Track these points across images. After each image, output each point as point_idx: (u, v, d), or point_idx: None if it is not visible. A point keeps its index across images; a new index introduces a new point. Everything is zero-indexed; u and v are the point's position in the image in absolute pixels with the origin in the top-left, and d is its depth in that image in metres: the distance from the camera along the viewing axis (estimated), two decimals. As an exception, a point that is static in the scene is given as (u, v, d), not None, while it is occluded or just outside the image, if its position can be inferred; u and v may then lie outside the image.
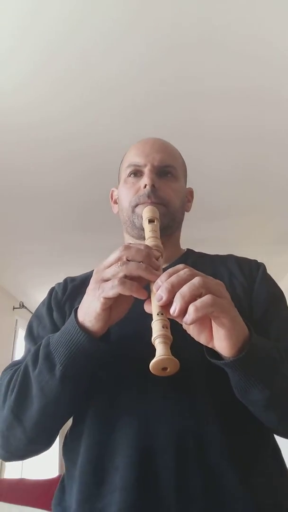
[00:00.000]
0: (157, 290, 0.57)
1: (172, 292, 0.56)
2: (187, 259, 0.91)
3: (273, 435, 0.75)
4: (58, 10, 1.49)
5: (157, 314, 0.57)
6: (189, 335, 0.62)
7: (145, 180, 0.84)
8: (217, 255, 0.94)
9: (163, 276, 0.58)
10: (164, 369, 0.53)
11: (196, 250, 0.98)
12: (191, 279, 0.56)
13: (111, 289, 0.58)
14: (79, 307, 0.65)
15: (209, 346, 0.60)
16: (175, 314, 0.54)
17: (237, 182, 2.54)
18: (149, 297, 0.60)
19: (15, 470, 3.65)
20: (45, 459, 4.18)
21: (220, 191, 2.61)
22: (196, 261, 0.91)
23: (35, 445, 0.73)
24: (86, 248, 3.26)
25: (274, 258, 3.43)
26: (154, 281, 0.59)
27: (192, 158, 2.23)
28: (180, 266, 0.59)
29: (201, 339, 0.60)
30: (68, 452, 0.76)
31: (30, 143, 2.16)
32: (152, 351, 0.55)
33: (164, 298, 0.56)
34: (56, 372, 0.63)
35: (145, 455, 0.65)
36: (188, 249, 0.97)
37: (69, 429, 0.78)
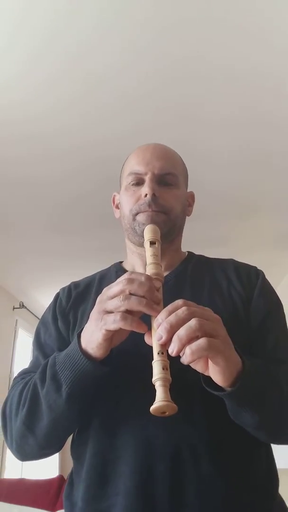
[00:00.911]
0: (157, 327, 0.61)
1: (171, 332, 0.59)
2: (187, 265, 0.92)
3: (266, 445, 0.79)
4: (50, 4, 1.46)
5: (158, 354, 0.61)
6: None
7: (146, 189, 0.85)
8: (217, 259, 0.95)
9: (163, 313, 0.61)
10: (163, 412, 0.58)
11: (197, 250, 0.98)
12: (189, 319, 0.59)
13: (113, 323, 0.62)
14: (82, 332, 0.69)
15: (205, 374, 0.64)
16: (173, 354, 0.59)
17: (237, 182, 2.54)
18: (149, 329, 0.64)
19: (15, 470, 3.66)
20: (45, 459, 4.18)
21: (220, 191, 2.61)
22: (196, 267, 0.92)
23: (47, 450, 0.79)
24: (86, 248, 3.26)
25: (273, 259, 3.43)
26: (155, 316, 0.62)
27: (193, 153, 2.24)
28: (180, 303, 0.62)
29: (197, 367, 0.64)
30: (75, 455, 0.81)
31: (31, 141, 2.16)
32: (149, 365, 0.60)
33: (164, 338, 0.59)
34: (62, 392, 0.68)
35: (144, 463, 0.71)
36: (189, 253, 0.98)
37: (75, 435, 0.83)
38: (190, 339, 0.58)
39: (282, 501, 0.77)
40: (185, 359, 0.58)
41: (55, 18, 1.53)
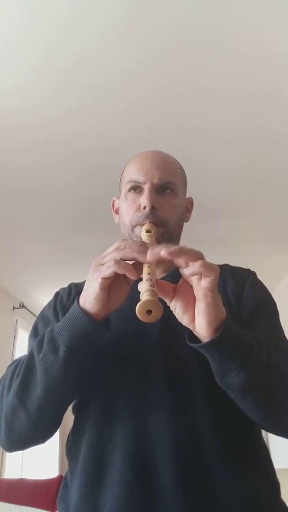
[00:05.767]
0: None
1: (158, 254, 0.62)
2: None
3: (260, 432, 0.80)
4: (58, 10, 1.49)
5: (146, 280, 0.62)
6: (184, 338, 0.66)
7: (144, 201, 0.85)
8: None
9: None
10: (149, 312, 0.56)
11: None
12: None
13: (107, 269, 0.63)
14: (80, 295, 0.69)
15: (190, 327, 0.65)
16: (166, 252, 0.61)
17: (237, 182, 2.54)
18: (141, 278, 0.64)
19: (15, 470, 3.65)
20: (45, 459, 4.18)
21: (220, 191, 2.61)
22: None
23: (37, 431, 0.75)
24: (86, 248, 3.26)
25: (274, 258, 3.43)
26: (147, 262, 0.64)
27: (192, 159, 2.24)
28: (183, 245, 0.65)
29: (184, 319, 0.65)
30: (70, 451, 0.80)
31: (30, 143, 2.16)
32: (150, 350, 0.60)
33: (162, 250, 0.62)
34: (60, 353, 0.67)
35: (143, 453, 0.70)
36: None
37: (71, 430, 0.82)
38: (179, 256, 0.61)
39: (283, 503, 0.76)
40: (189, 270, 0.61)
41: (62, 25, 1.54)
